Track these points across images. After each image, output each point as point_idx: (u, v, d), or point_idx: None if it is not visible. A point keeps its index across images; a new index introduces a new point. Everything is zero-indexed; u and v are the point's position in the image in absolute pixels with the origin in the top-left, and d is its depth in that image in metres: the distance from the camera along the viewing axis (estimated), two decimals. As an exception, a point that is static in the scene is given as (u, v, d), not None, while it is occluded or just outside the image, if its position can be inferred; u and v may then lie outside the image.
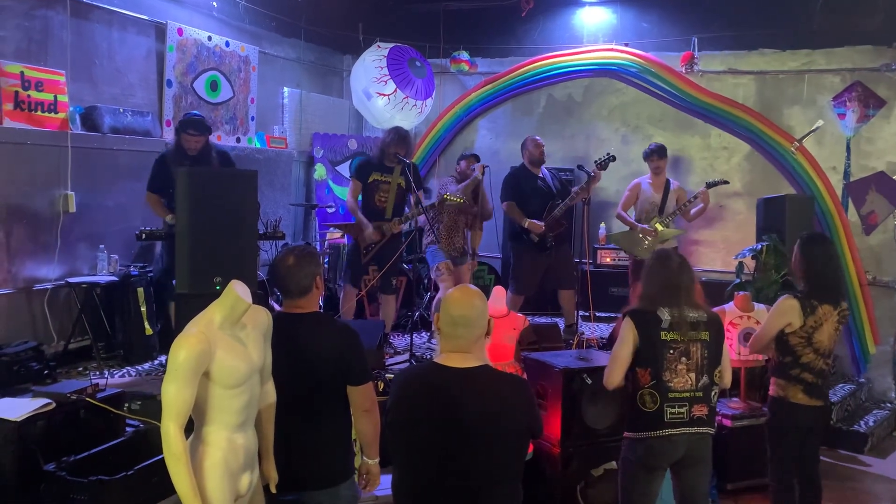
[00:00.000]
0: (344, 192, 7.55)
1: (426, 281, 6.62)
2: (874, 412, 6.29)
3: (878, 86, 6.65)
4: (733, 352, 4.60)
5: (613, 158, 5.95)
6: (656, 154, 6.35)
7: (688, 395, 3.08)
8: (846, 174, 6.80)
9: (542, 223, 5.92)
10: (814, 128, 6.48)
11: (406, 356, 5.26)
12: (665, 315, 3.09)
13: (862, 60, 6.71)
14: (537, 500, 4.27)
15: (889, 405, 6.47)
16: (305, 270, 2.76)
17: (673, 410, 3.06)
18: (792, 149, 6.61)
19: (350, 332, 2.85)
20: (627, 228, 6.40)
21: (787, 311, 3.62)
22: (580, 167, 6.06)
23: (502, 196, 6.17)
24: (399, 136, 5.60)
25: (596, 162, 5.90)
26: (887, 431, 6.19)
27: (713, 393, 3.15)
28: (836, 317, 3.65)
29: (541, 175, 6.16)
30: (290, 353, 2.72)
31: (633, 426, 3.15)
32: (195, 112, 5.23)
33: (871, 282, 6.60)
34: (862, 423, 6.00)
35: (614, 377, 3.11)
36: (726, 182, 6.42)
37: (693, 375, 3.10)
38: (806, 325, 3.59)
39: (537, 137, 6.25)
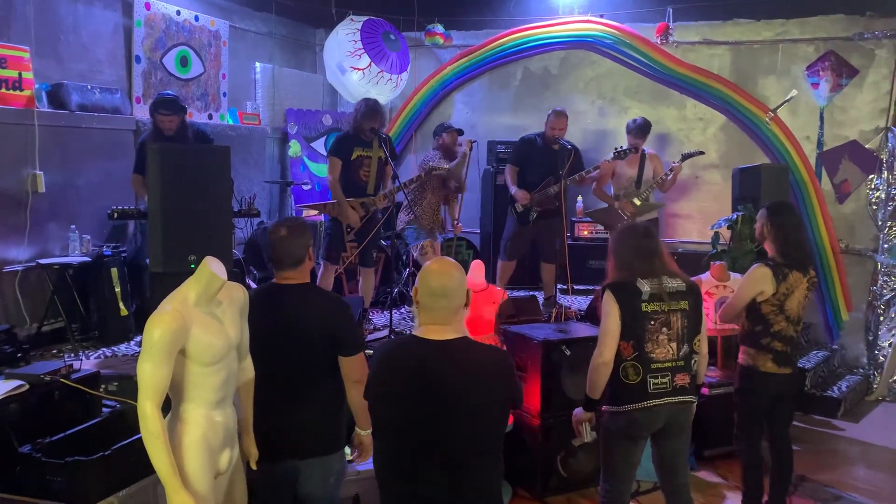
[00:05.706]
0: (319, 169, 7.48)
1: (405, 257, 6.59)
2: (847, 378, 6.43)
3: (852, 55, 6.68)
4: (710, 321, 4.65)
5: (626, 153, 5.98)
6: (635, 133, 6.28)
7: (670, 364, 3.10)
8: (820, 143, 6.85)
9: (529, 195, 5.90)
10: (788, 98, 6.51)
11: (385, 332, 5.26)
12: (645, 287, 3.08)
13: (835, 30, 6.73)
14: (518, 470, 4.31)
15: (861, 371, 6.60)
16: (299, 241, 2.78)
17: (656, 381, 3.08)
18: (766, 119, 6.65)
19: (341, 302, 2.87)
20: (606, 205, 6.40)
21: (760, 279, 3.65)
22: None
23: (508, 158, 6.27)
24: (370, 109, 5.49)
25: (615, 152, 5.95)
26: (860, 396, 6.33)
27: (693, 361, 3.17)
28: (806, 284, 3.70)
29: (556, 148, 5.95)
30: (281, 324, 2.72)
31: (616, 399, 3.14)
32: (168, 92, 5.16)
33: (844, 250, 6.69)
34: (835, 388, 6.12)
35: (607, 352, 3.06)
36: (702, 153, 6.43)
37: (674, 345, 3.11)
38: (778, 292, 3.63)
39: (559, 110, 5.99)
